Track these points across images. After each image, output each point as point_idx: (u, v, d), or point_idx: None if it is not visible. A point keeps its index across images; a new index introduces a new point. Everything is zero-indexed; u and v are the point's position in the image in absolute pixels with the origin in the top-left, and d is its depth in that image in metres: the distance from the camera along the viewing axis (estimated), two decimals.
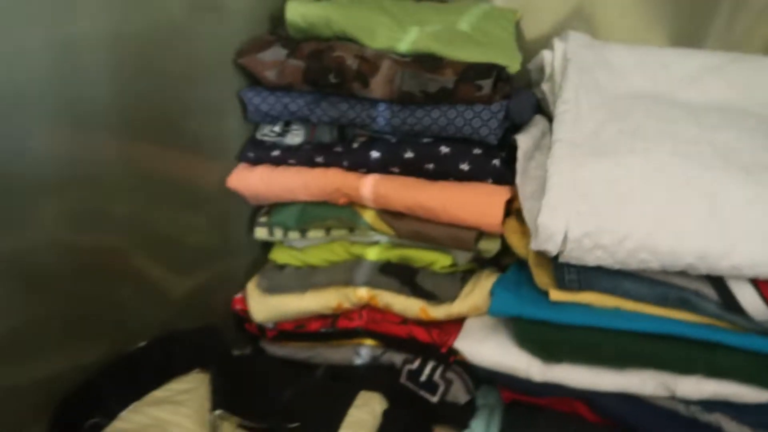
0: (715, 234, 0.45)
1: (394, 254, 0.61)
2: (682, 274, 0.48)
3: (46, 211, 0.45)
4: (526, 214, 0.53)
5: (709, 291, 0.48)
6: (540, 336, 0.51)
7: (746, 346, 0.47)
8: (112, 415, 0.46)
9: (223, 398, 0.47)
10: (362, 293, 0.60)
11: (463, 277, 0.60)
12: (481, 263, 0.63)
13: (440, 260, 0.59)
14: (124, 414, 0.47)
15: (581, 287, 0.50)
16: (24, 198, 0.43)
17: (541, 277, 0.52)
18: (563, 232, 0.46)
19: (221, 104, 0.63)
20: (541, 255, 0.53)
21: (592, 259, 0.47)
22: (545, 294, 0.51)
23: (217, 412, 0.45)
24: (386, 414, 0.54)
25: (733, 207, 0.46)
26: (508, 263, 0.62)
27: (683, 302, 0.48)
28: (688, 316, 0.49)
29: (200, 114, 0.60)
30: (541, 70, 0.65)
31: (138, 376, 0.50)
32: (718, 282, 0.47)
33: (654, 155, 0.49)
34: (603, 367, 0.50)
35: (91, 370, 0.50)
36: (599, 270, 0.49)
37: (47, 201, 0.45)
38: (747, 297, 0.46)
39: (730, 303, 0.47)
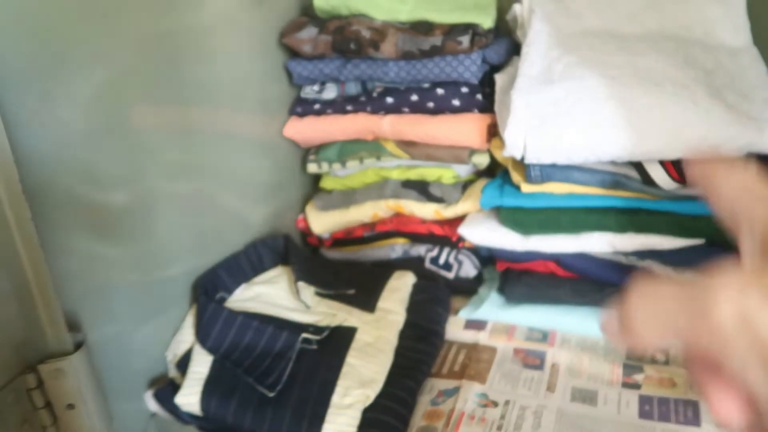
0: (632, 131, 0.64)
1: (412, 173, 0.82)
2: (613, 163, 0.67)
3: (156, 165, 0.66)
4: (502, 132, 0.72)
5: (633, 173, 0.67)
6: (517, 218, 0.71)
7: (661, 209, 0.67)
8: (230, 291, 0.70)
9: (301, 275, 0.69)
10: (391, 204, 0.81)
11: (464, 185, 0.81)
12: (479, 175, 0.84)
13: (446, 174, 0.80)
14: (237, 291, 0.70)
15: (543, 180, 0.69)
16: (133, 153, 0.66)
17: (516, 176, 0.72)
18: (523, 141, 0.66)
19: (273, 73, 0.84)
20: (517, 162, 0.73)
21: (546, 159, 0.67)
22: (519, 188, 0.72)
23: (299, 282, 0.68)
24: (416, 284, 0.76)
25: (642, 110, 0.64)
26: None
27: (616, 183, 0.68)
28: (620, 193, 0.68)
29: (259, 83, 0.81)
30: (515, 20, 0.83)
31: (241, 268, 0.74)
32: (638, 166, 0.66)
33: (587, 80, 0.67)
34: (564, 235, 0.71)
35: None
36: (554, 166, 0.69)
37: (152, 159, 0.65)
38: (658, 174, 0.65)
39: (647, 180, 0.66)
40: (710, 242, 0.67)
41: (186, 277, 0.70)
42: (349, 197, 0.84)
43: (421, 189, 0.80)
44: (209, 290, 0.68)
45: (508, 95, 0.76)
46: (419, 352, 0.66)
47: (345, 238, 0.87)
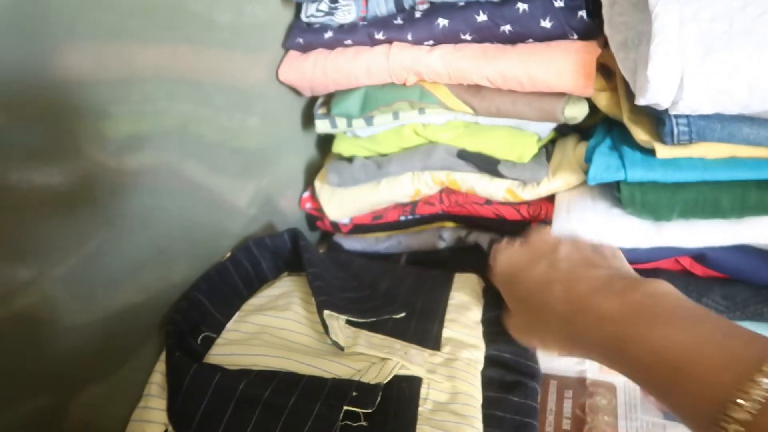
0: None
1: (471, 142, 0.56)
2: None
3: (87, 134, 0.41)
4: (621, 66, 0.48)
5: None
6: (648, 197, 0.48)
7: None
8: (219, 328, 0.45)
9: (326, 299, 0.45)
10: (441, 178, 0.57)
11: (547, 153, 0.56)
12: (560, 131, 0.59)
13: (525, 150, 0.54)
14: (230, 325, 0.46)
15: (693, 139, 0.45)
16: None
17: (641, 135, 0.48)
18: (679, 79, 0.42)
19: None
20: (637, 110, 0.49)
21: (709, 107, 0.43)
22: (649, 152, 0.48)
23: (326, 312, 0.44)
24: (487, 292, 0.52)
25: None
26: (588, 125, 0.58)
27: None
28: None
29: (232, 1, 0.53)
30: None
31: (231, 285, 0.49)
32: None
33: None
34: (718, 220, 0.48)
35: (183, 285, 0.48)
36: (713, 117, 0.45)
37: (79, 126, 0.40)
38: None
39: None
40: None
41: (145, 309, 0.45)
42: (379, 167, 0.58)
43: (487, 165, 0.55)
44: (185, 329, 0.43)
45: (616, 10, 0.51)
46: (515, 410, 0.43)
47: (371, 224, 0.62)
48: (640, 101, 0.44)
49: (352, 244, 0.65)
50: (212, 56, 0.52)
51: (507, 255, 0.45)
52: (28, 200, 0.36)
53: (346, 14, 0.56)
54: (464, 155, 0.56)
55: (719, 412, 0.25)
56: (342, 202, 0.60)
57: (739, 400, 0.24)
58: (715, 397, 0.25)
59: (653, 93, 0.42)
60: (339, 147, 0.62)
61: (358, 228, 0.63)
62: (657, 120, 0.47)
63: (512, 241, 0.47)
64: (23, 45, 0.35)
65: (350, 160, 0.60)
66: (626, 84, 0.48)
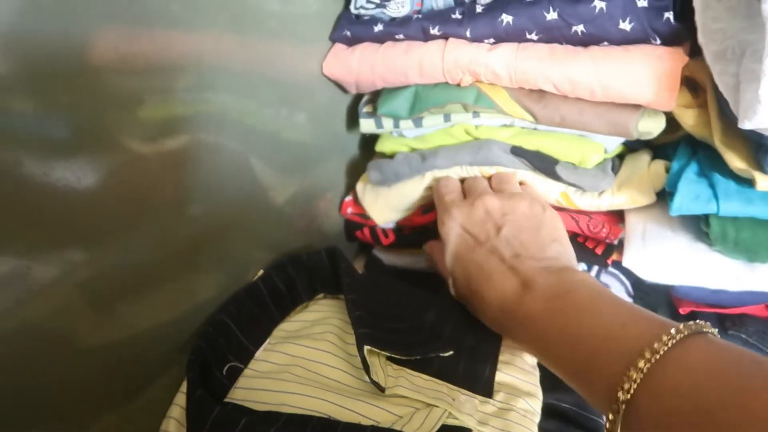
0: None
1: (530, 143, 0.51)
2: None
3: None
4: (718, 80, 0.41)
5: None
6: (744, 235, 0.41)
7: None
8: (247, 357, 0.41)
9: (367, 331, 0.40)
10: (490, 173, 0.52)
11: (613, 165, 0.50)
12: (630, 145, 0.53)
13: (589, 155, 0.48)
14: (260, 354, 0.41)
15: None
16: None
17: (736, 162, 0.42)
18: None
19: None
20: (731, 133, 0.42)
21: None
22: (746, 182, 0.41)
23: (367, 348, 0.39)
24: None
25: None
26: (661, 142, 0.51)
27: None
28: None
29: None
30: None
31: (263, 308, 0.44)
32: None
33: None
34: None
35: (211, 303, 0.44)
36: None
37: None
38: None
39: None
40: None
41: (168, 329, 0.41)
42: (423, 160, 0.53)
43: (544, 165, 0.50)
44: (210, 359, 0.39)
45: (709, 15, 0.44)
46: None
47: (419, 226, 0.57)
48: (745, 124, 0.37)
49: (392, 259, 0.60)
50: (258, 46, 0.48)
51: (461, 215, 0.46)
52: (50, 193, 0.32)
53: (400, 7, 0.50)
54: (518, 152, 0.50)
55: (613, 395, 0.30)
56: (388, 203, 0.55)
57: (624, 384, 0.30)
58: (610, 384, 0.30)
59: (764, 115, 0.36)
60: (383, 146, 0.56)
61: (401, 238, 0.58)
62: (757, 145, 0.40)
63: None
64: (57, 28, 0.31)
65: (392, 156, 0.55)
66: (720, 101, 0.42)
